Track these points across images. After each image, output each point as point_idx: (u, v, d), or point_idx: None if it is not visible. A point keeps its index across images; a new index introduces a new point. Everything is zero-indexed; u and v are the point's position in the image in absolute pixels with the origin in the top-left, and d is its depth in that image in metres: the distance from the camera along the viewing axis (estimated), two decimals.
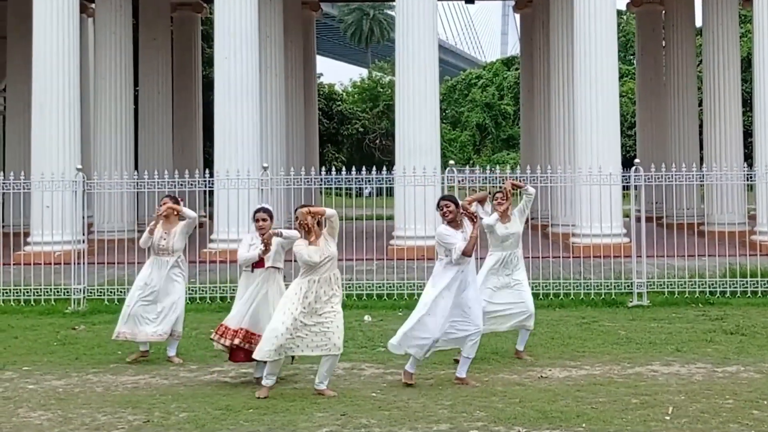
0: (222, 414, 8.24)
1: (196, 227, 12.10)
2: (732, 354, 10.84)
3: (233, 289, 15.25)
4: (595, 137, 20.33)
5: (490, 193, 11.16)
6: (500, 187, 11.17)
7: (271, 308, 9.46)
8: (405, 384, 9.35)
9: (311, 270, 9.00)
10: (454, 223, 9.47)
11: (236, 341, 9.56)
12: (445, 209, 9.51)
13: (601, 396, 8.77)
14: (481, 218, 10.16)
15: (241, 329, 9.58)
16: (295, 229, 9.22)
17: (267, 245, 9.48)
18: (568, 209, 21.91)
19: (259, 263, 9.65)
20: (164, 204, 11.08)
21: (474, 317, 9.40)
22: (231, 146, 20.26)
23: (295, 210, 9.29)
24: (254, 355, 9.18)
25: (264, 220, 9.70)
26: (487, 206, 10.75)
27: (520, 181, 11.71)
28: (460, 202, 9.68)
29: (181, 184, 15.90)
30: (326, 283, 9.01)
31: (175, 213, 11.06)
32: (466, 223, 9.52)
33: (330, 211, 9.06)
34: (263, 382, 9.07)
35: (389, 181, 16.67)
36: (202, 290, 15.36)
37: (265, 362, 9.45)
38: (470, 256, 9.38)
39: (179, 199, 11.38)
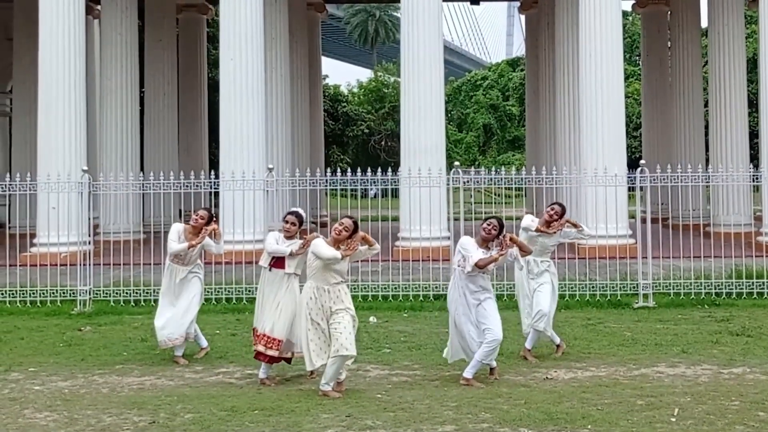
0: (227, 415, 8.25)
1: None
2: (738, 355, 10.82)
3: (239, 290, 15.35)
4: (601, 138, 20.30)
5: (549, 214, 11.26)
6: (553, 204, 11.35)
7: (281, 312, 9.55)
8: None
9: (319, 272, 9.05)
10: (485, 242, 9.55)
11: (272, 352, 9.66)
12: (489, 228, 9.62)
13: (606, 397, 8.77)
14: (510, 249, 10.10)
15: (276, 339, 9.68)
16: (334, 232, 9.27)
17: (304, 247, 9.55)
18: (574, 210, 21.82)
19: (279, 263, 9.68)
20: (201, 218, 11.06)
21: (492, 327, 9.45)
22: (236, 147, 20.27)
23: (345, 218, 9.38)
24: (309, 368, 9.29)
25: (294, 224, 9.83)
26: (520, 257, 10.44)
27: (574, 221, 11.87)
28: (508, 234, 9.70)
29: (187, 186, 15.91)
30: (334, 292, 9.12)
31: (215, 235, 11.11)
32: (495, 249, 9.58)
33: (377, 248, 9.48)
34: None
35: (395, 182, 16.68)
36: (209, 291, 15.36)
37: (269, 363, 9.54)
38: (482, 268, 9.45)
39: (214, 216, 11.46)
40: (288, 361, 9.92)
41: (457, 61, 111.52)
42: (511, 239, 9.69)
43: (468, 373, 9.45)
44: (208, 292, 15.29)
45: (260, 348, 9.65)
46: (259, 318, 9.81)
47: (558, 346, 11.07)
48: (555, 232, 11.07)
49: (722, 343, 11.59)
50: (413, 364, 10.53)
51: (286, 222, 9.85)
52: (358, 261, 10.08)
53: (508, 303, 13.41)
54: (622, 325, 13.14)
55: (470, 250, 9.47)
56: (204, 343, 11.26)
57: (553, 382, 9.59)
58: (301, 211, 10.14)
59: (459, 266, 9.59)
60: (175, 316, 10.90)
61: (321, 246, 9.11)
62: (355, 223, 9.32)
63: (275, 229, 15.97)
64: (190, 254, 11.02)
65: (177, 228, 11.11)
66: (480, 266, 9.41)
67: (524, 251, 10.08)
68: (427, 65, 20.69)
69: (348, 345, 8.97)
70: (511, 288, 13.94)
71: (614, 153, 20.17)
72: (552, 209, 11.17)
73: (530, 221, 11.08)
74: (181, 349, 10.96)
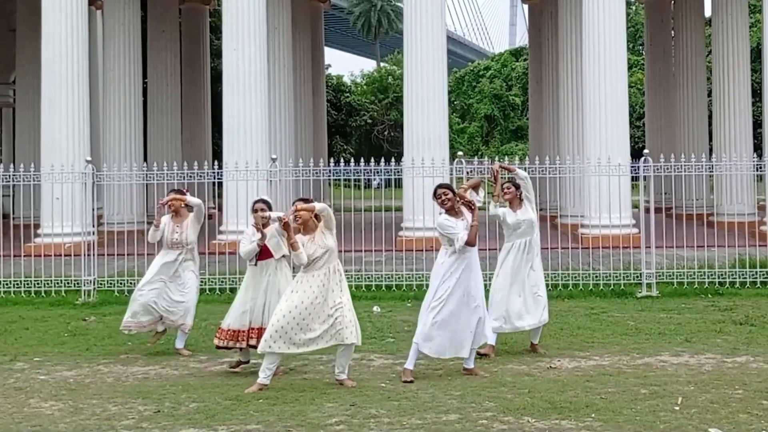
0: (232, 404, 8.28)
1: (205, 218, 12.11)
2: (741, 344, 10.83)
3: (241, 281, 15.32)
4: (604, 128, 20.29)
5: (483, 179, 11.02)
6: (494, 175, 10.79)
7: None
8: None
9: (309, 264, 8.93)
10: (452, 211, 9.40)
11: (252, 342, 9.58)
12: (443, 197, 9.41)
13: (610, 386, 8.78)
14: (478, 204, 9.90)
15: (254, 329, 9.60)
16: (295, 224, 8.98)
17: (262, 232, 9.49)
18: (577, 200, 21.89)
19: (261, 255, 9.65)
20: (174, 197, 11.05)
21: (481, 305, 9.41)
22: (240, 138, 20.28)
23: (292, 203, 9.24)
24: (259, 349, 9.09)
25: (263, 210, 9.66)
26: (481, 192, 10.32)
27: (508, 164, 11.49)
28: (457, 191, 9.61)
29: (191, 176, 15.93)
30: (326, 276, 8.94)
31: (183, 204, 11.01)
32: (465, 211, 9.42)
33: (319, 206, 8.98)
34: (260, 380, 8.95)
35: (398, 172, 16.67)
36: (212, 281, 15.40)
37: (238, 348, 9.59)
38: (473, 245, 9.33)
39: (184, 191, 11.37)
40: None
41: (460, 52, 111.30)
42: (464, 191, 9.54)
43: (469, 363, 9.45)
44: (210, 282, 15.34)
45: (239, 344, 9.57)
46: (262, 314, 9.63)
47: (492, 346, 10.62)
48: (501, 188, 10.57)
49: (725, 333, 11.60)
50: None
51: (255, 211, 9.66)
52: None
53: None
54: (625, 314, 13.15)
55: (456, 227, 9.25)
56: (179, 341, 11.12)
57: (556, 371, 9.61)
58: (266, 197, 10.07)
59: (448, 247, 9.31)
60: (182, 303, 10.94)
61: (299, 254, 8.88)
62: (303, 200, 9.12)
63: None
64: (183, 235, 10.91)
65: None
66: (471, 243, 9.25)
67: (474, 189, 9.77)
68: (430, 55, 20.67)
69: (348, 334, 8.88)
70: None
71: (617, 142, 20.17)
72: (507, 188, 10.81)
73: (494, 208, 10.69)
74: (182, 341, 10.95)
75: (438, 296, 9.30)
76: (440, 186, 9.71)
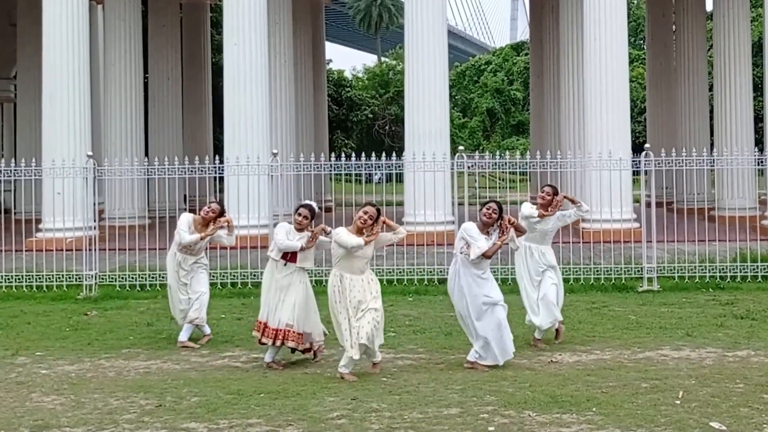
0: (233, 398, 8.29)
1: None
2: (742, 338, 10.83)
3: (244, 275, 15.39)
4: (605, 122, 20.28)
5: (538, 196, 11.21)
6: (545, 185, 11.29)
7: (297, 307, 9.59)
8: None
9: (343, 261, 9.09)
10: (486, 226, 9.54)
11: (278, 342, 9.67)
12: (489, 212, 9.57)
13: (611, 380, 8.79)
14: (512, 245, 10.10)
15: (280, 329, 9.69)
16: (358, 221, 9.23)
17: (314, 239, 9.61)
18: (578, 195, 21.81)
19: (292, 257, 9.68)
20: (213, 212, 11.14)
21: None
22: (241, 133, 20.28)
23: (366, 204, 9.39)
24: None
25: (306, 218, 9.75)
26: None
27: (570, 198, 11.65)
28: (505, 216, 9.69)
29: (192, 171, 15.93)
30: (359, 282, 9.10)
31: (229, 227, 11.21)
32: (495, 233, 9.56)
33: (402, 232, 9.52)
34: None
35: (399, 167, 16.68)
36: (214, 276, 15.39)
37: (276, 346, 9.56)
38: (489, 258, 9.48)
39: (225, 210, 11.51)
40: (310, 351, 9.90)
41: (461, 46, 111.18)
42: (509, 222, 9.69)
43: (472, 356, 9.47)
44: (213, 276, 15.34)
45: (277, 342, 9.63)
46: (272, 312, 9.71)
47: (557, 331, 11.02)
48: (555, 211, 10.96)
49: (727, 327, 11.61)
50: (418, 348, 10.57)
51: (299, 215, 9.77)
52: (383, 247, 9.92)
53: (513, 287, 13.40)
54: (626, 308, 13.15)
55: (476, 237, 9.45)
56: (207, 330, 11.26)
57: (557, 365, 9.62)
58: (314, 204, 10.06)
59: (462, 252, 9.57)
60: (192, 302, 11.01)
61: (343, 234, 9.10)
62: (378, 210, 9.32)
63: (280, 214, 16.05)
64: (200, 244, 11.06)
65: (187, 218, 11.14)
66: (488, 256, 9.42)
67: (520, 232, 10.04)
68: (432, 50, 20.66)
69: (363, 335, 8.98)
70: (513, 272, 13.91)
71: (619, 137, 20.16)
72: (544, 191, 11.08)
73: (530, 208, 10.98)
74: (187, 334, 10.99)
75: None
76: (494, 201, 9.82)
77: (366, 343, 8.98)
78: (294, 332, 9.60)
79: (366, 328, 8.95)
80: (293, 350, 9.85)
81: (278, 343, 9.63)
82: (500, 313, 9.49)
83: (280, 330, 9.60)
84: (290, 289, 9.66)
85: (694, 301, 13.72)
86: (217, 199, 11.89)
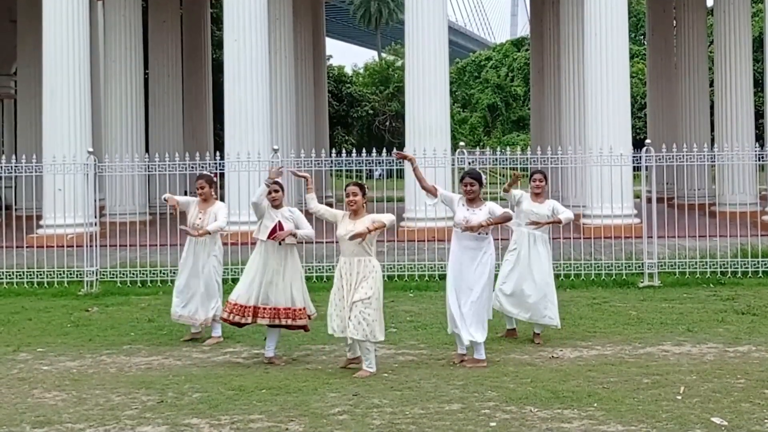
0: (235, 394, 8.29)
1: None
2: (743, 334, 10.84)
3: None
4: (606, 118, 20.27)
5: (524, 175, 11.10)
6: (537, 170, 11.16)
7: (285, 283, 9.54)
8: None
9: (341, 243, 9.12)
10: (474, 201, 9.44)
11: (247, 320, 9.63)
12: (468, 187, 9.44)
13: (612, 376, 8.79)
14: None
15: (249, 306, 9.62)
16: (348, 206, 9.20)
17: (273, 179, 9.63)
18: (579, 190, 21.88)
19: (272, 233, 9.65)
20: (201, 186, 11.10)
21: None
22: (241, 128, 20.27)
23: (349, 185, 9.25)
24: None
25: (276, 191, 9.77)
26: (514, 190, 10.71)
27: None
28: (503, 187, 9.60)
29: (192, 167, 15.93)
30: (356, 266, 9.04)
31: (212, 192, 11.27)
32: (486, 208, 9.40)
33: (389, 222, 9.17)
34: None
35: (400, 163, 16.65)
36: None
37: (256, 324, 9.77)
38: (472, 232, 9.26)
39: (214, 178, 11.46)
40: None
41: (461, 42, 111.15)
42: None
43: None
44: None
45: (288, 321, 9.59)
46: (263, 292, 9.62)
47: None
48: (516, 183, 10.79)
49: (728, 322, 11.61)
50: (419, 344, 10.57)
51: (269, 193, 9.72)
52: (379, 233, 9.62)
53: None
54: (627, 304, 13.16)
55: (454, 204, 9.43)
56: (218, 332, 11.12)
57: (559, 360, 9.62)
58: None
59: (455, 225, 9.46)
60: (200, 297, 10.95)
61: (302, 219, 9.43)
62: (360, 186, 9.22)
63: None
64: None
65: (196, 200, 11.18)
66: (469, 228, 9.25)
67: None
68: (432, 45, 20.64)
69: (370, 332, 8.98)
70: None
71: (619, 133, 20.15)
72: (534, 179, 10.91)
73: (519, 193, 10.86)
74: (198, 327, 10.99)
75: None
76: (470, 174, 9.59)
77: (354, 337, 8.95)
78: (296, 309, 9.57)
79: (353, 321, 8.93)
80: (289, 327, 9.77)
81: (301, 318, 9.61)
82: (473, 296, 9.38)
83: (281, 309, 9.56)
84: (281, 268, 9.60)
85: (695, 297, 13.72)
86: (218, 195, 11.76)
